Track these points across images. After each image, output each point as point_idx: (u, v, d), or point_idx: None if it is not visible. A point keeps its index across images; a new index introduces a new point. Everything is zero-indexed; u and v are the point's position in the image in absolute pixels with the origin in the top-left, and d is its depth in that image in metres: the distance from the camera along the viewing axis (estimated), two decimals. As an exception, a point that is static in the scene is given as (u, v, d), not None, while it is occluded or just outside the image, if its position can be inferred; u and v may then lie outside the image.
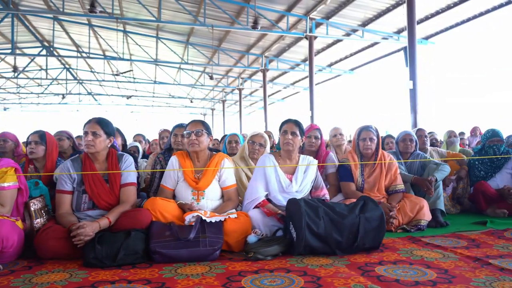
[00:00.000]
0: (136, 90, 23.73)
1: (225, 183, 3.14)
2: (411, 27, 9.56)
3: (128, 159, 2.98)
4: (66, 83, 21.15)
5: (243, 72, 19.87)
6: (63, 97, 22.22)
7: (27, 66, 17.79)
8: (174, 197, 3.15)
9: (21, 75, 19.61)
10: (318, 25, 13.44)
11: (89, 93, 23.66)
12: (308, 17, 12.84)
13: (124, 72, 15.58)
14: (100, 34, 15.82)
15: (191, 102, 24.40)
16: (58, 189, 2.84)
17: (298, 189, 3.18)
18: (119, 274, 2.31)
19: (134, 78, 21.02)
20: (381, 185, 3.72)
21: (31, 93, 22.50)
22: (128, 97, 22.69)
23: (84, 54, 16.72)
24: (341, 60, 16.90)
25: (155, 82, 20.62)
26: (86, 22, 14.94)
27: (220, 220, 2.76)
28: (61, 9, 11.50)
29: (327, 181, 3.98)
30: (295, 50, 16.22)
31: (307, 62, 17.37)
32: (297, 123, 3.23)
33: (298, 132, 3.20)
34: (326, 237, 2.63)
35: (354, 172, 3.75)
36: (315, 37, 13.47)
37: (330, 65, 17.70)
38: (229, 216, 2.81)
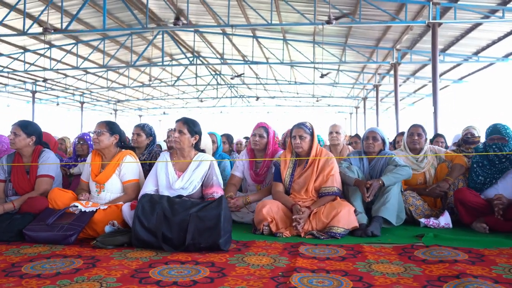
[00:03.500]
0: (281, 91, 24.80)
1: (124, 177, 3.40)
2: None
3: (45, 155, 3.50)
4: (217, 88, 23.52)
5: (379, 68, 18.87)
6: (200, 99, 24.77)
7: (181, 74, 20.44)
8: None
9: (181, 83, 22.58)
10: (445, 10, 12.08)
11: (241, 96, 25.76)
12: (430, 3, 11.64)
13: (239, 75, 16.62)
14: (234, 41, 17.19)
15: (317, 101, 24.32)
16: (-4, 178, 3.56)
17: (183, 186, 3.22)
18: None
19: (276, 80, 22.01)
20: (309, 186, 3.42)
21: (192, 98, 25.74)
22: (257, 98, 23.95)
23: (225, 61, 18.36)
24: (488, 46, 14.61)
25: (295, 82, 21.24)
26: (221, 32, 16.43)
27: (93, 210, 3.06)
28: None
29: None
30: (429, 40, 14.70)
31: (447, 52, 15.67)
32: (185, 122, 3.28)
33: (185, 131, 3.25)
34: (155, 232, 2.68)
35: (282, 171, 3.54)
36: (440, 24, 12.08)
37: (476, 53, 15.46)
38: (100, 207, 3.08)
